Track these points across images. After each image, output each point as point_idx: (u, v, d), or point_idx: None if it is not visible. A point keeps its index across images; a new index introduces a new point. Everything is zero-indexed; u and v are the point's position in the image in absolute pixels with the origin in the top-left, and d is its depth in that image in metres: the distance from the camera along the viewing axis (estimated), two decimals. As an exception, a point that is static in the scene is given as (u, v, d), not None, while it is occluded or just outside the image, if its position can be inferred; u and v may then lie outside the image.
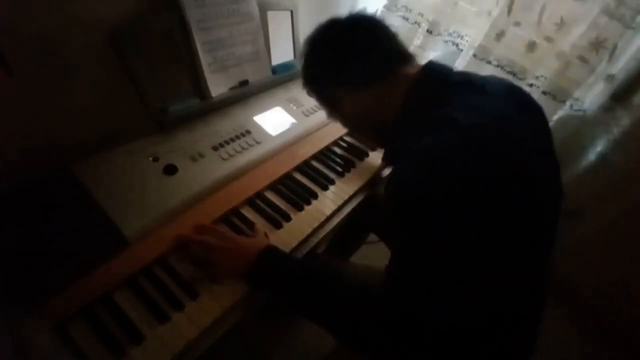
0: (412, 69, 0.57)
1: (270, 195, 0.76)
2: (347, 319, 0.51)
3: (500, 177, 0.43)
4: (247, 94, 0.88)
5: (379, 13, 1.43)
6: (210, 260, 0.58)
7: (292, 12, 0.94)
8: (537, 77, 1.21)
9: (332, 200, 0.78)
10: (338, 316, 0.52)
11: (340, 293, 0.53)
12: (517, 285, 0.49)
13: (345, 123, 0.70)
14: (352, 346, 0.55)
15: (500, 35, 1.19)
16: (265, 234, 0.67)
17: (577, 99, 1.15)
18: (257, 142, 0.81)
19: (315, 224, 0.72)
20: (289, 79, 0.99)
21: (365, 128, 0.67)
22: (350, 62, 0.58)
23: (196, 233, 0.61)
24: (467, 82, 0.54)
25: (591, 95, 1.15)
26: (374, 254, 1.16)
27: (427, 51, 1.40)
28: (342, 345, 0.63)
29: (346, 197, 0.80)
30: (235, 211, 0.71)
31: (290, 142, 0.86)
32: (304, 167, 0.84)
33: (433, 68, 0.57)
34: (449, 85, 0.54)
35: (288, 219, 0.72)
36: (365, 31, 0.59)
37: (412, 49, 1.43)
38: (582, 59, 1.09)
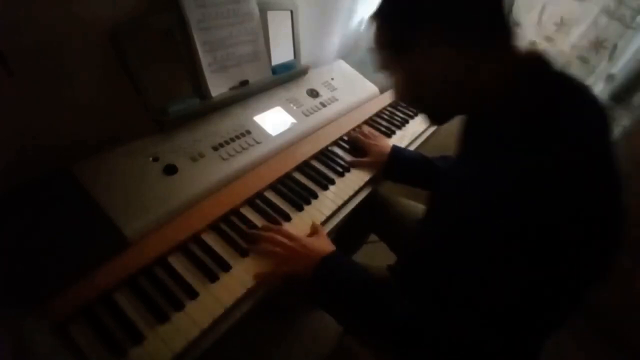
0: (517, 51, 0.48)
1: (270, 195, 0.76)
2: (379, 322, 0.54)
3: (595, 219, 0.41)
4: (247, 94, 0.88)
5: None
6: (280, 256, 0.62)
7: (292, 12, 0.94)
8: (537, 77, 1.21)
9: (332, 200, 0.78)
10: (374, 320, 0.55)
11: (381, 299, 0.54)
12: (545, 319, 0.46)
13: (403, 82, 0.55)
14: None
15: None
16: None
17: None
18: (257, 142, 0.81)
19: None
20: (289, 79, 0.99)
21: (426, 94, 0.53)
22: (466, 6, 0.45)
23: (265, 230, 0.66)
24: (576, 91, 0.47)
25: (591, 95, 1.15)
26: (374, 254, 1.16)
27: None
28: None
29: (346, 197, 0.80)
30: (235, 211, 0.71)
31: (290, 142, 0.86)
32: (304, 167, 0.84)
33: (543, 59, 0.48)
34: (556, 90, 0.46)
35: (288, 219, 0.72)
36: None
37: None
38: (582, 59, 1.09)
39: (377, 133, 0.99)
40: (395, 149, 0.90)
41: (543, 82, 0.46)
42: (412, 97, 0.56)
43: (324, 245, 0.64)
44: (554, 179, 0.39)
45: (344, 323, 0.77)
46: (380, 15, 0.52)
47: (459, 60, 0.47)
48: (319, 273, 0.59)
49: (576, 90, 0.47)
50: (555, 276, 0.41)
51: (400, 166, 0.88)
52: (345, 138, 0.97)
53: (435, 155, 0.89)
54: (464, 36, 0.46)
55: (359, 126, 1.03)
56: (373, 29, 0.53)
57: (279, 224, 0.70)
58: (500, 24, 0.47)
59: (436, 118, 0.59)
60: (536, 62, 0.47)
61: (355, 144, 0.94)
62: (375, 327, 0.55)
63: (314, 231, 0.70)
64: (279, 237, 0.64)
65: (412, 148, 1.04)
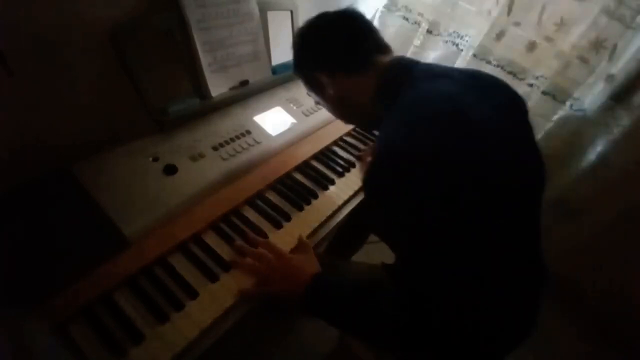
0: (385, 59, 0.63)
1: (270, 195, 0.76)
2: (378, 326, 0.54)
3: (455, 157, 0.46)
4: (247, 94, 0.88)
5: (379, 13, 1.43)
6: (264, 275, 0.60)
7: (292, 12, 0.94)
8: (537, 77, 1.21)
9: (332, 200, 0.78)
10: (372, 327, 0.55)
11: (374, 306, 0.54)
12: (507, 263, 0.52)
13: (329, 107, 0.72)
14: (382, 345, 0.61)
15: (500, 35, 1.19)
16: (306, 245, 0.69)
17: (577, 99, 1.15)
18: (257, 142, 0.81)
19: (316, 224, 0.72)
20: (289, 79, 0.99)
21: (347, 112, 0.71)
22: (334, 50, 0.64)
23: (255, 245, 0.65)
24: (429, 70, 0.59)
25: (591, 95, 1.15)
26: (374, 254, 1.16)
27: (427, 51, 1.40)
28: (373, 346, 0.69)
29: (346, 197, 0.80)
30: (235, 211, 0.71)
31: (290, 142, 0.86)
32: (304, 167, 0.84)
33: (402, 58, 0.63)
34: (413, 71, 0.59)
35: (288, 219, 0.72)
36: (349, 23, 0.64)
37: (412, 49, 1.43)
38: (582, 59, 1.09)
39: None
40: None
41: (398, 70, 0.60)
42: (342, 118, 0.75)
43: (310, 265, 0.62)
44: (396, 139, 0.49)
45: (343, 332, 0.78)
46: (295, 69, 0.72)
47: (352, 81, 0.63)
48: (309, 296, 0.57)
49: (429, 70, 0.59)
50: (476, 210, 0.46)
51: None
52: (345, 138, 0.97)
53: None
54: (348, 66, 0.63)
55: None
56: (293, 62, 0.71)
57: (279, 224, 0.70)
58: (373, 46, 0.64)
59: (367, 127, 0.86)
60: (395, 60, 0.62)
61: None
62: (374, 334, 0.55)
63: (301, 245, 0.67)
64: (266, 254, 0.62)
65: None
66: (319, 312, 0.58)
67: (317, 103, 0.77)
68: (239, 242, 0.64)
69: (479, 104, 0.52)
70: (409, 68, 0.60)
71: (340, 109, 0.71)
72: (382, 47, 0.65)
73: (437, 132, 0.47)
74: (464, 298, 0.47)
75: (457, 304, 0.47)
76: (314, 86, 0.70)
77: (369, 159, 0.90)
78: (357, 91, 0.63)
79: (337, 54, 0.64)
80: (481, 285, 0.48)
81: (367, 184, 0.55)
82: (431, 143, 0.46)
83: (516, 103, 0.60)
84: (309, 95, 0.76)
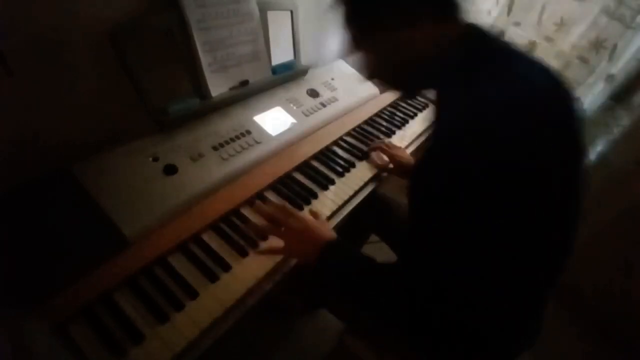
0: (461, 21, 0.55)
1: (270, 195, 0.76)
2: (382, 299, 0.54)
3: (543, 152, 0.44)
4: (247, 94, 0.88)
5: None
6: (279, 236, 0.62)
7: (292, 12, 0.94)
8: (537, 77, 1.21)
9: (332, 200, 0.78)
10: (376, 298, 0.56)
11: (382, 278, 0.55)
12: (531, 265, 0.50)
13: (375, 59, 0.60)
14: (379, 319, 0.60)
15: (500, 35, 1.19)
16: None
17: (577, 99, 1.15)
18: (257, 142, 0.81)
19: (315, 224, 0.72)
20: (289, 79, 0.99)
21: (395, 66, 0.58)
22: None
23: (271, 207, 0.65)
24: (515, 50, 0.53)
25: (591, 95, 1.15)
26: (374, 254, 1.16)
27: (427, 51, 1.40)
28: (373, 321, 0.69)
29: (346, 197, 0.80)
30: (235, 211, 0.71)
31: (290, 142, 0.86)
32: (304, 167, 0.84)
33: (481, 26, 0.55)
34: (499, 44, 0.54)
35: (288, 219, 0.72)
36: None
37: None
38: (582, 59, 1.09)
39: (396, 145, 0.98)
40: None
41: (482, 38, 0.53)
42: (384, 73, 0.62)
43: (327, 230, 0.64)
44: (501, 114, 0.43)
45: (347, 319, 0.77)
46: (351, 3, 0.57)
47: (422, 33, 0.52)
48: (324, 256, 0.59)
49: (513, 50, 0.53)
50: (522, 214, 0.44)
51: None
52: (346, 138, 0.97)
53: None
54: (421, 12, 0.51)
55: (361, 127, 1.03)
56: (344, 10, 0.57)
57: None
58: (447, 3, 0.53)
59: (407, 91, 0.68)
60: (473, 27, 0.54)
61: (371, 150, 0.95)
62: (379, 309, 0.56)
63: (314, 216, 0.70)
64: (284, 215, 0.63)
65: (412, 148, 1.04)
66: (330, 274, 0.60)
67: (352, 45, 0.59)
68: (258, 202, 0.67)
69: (559, 102, 0.50)
70: (495, 37, 0.54)
71: (390, 60, 0.57)
72: (461, 7, 0.56)
73: (527, 125, 0.43)
74: (475, 298, 0.46)
75: (465, 302, 0.46)
76: (367, 17, 0.55)
77: (384, 157, 0.91)
78: (428, 41, 0.53)
79: None
80: (498, 290, 0.47)
81: (438, 151, 0.48)
82: (519, 134, 0.42)
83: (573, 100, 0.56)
84: (344, 28, 0.59)
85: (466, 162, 0.42)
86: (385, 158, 0.92)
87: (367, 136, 1.00)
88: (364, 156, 0.93)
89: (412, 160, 0.92)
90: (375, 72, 0.62)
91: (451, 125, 0.47)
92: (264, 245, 0.66)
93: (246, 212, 0.71)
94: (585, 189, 0.52)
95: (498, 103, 0.44)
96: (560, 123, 0.48)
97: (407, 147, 1.03)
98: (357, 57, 0.61)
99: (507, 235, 0.44)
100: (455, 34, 0.52)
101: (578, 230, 0.53)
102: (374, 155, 0.93)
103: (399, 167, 0.90)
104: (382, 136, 1.02)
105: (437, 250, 0.47)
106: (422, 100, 1.26)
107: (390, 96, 1.18)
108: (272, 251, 0.63)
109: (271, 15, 0.88)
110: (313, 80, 1.04)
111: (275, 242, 0.64)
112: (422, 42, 0.53)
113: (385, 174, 0.91)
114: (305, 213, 0.73)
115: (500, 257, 0.45)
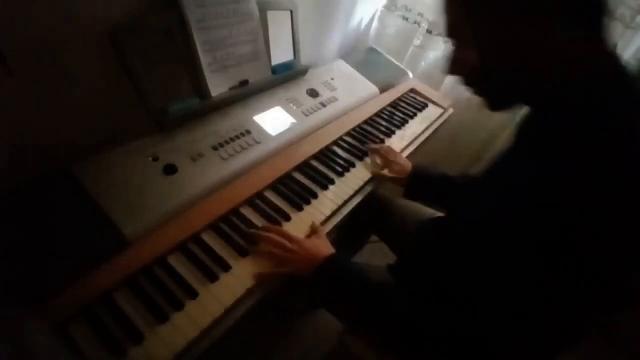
0: (606, 46, 0.43)
1: (270, 195, 0.76)
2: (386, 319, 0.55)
3: None
4: (247, 94, 0.88)
5: (379, 13, 1.43)
6: (279, 258, 0.63)
7: (292, 12, 0.94)
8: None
9: (332, 200, 0.78)
10: (379, 316, 0.56)
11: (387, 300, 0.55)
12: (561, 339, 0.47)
13: (472, 53, 0.46)
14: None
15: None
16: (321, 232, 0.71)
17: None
18: (257, 142, 0.81)
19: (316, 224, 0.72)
20: (289, 79, 0.99)
21: (496, 73, 0.46)
22: None
23: (266, 231, 0.66)
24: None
25: (591, 95, 1.15)
26: (374, 254, 1.16)
27: (427, 51, 1.40)
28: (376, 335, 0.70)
29: (346, 197, 0.80)
30: (235, 211, 0.71)
31: (290, 142, 0.86)
32: (304, 167, 0.84)
33: (620, 62, 0.43)
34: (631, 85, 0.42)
35: (288, 219, 0.72)
36: None
37: (412, 49, 1.43)
38: (582, 59, 1.09)
39: (395, 151, 0.96)
40: (416, 169, 0.89)
41: (623, 86, 0.42)
42: (477, 73, 0.48)
43: (324, 247, 0.65)
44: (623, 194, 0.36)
45: (347, 321, 0.78)
46: None
47: (543, 39, 0.41)
48: (321, 275, 0.61)
49: None
50: (572, 289, 0.39)
51: (421, 187, 0.89)
52: (345, 138, 0.97)
53: (445, 163, 0.90)
54: (556, 13, 0.40)
55: (361, 127, 1.03)
56: None
57: (279, 224, 0.70)
58: (596, 11, 0.41)
59: (496, 101, 0.51)
60: (616, 62, 0.43)
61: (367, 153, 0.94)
62: (379, 323, 0.57)
63: (314, 231, 0.71)
64: (279, 239, 0.65)
65: (412, 148, 1.04)
66: (329, 288, 0.61)
67: (450, 31, 0.48)
68: (253, 230, 0.67)
69: None
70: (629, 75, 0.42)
71: (495, 61, 0.45)
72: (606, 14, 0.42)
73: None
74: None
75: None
76: (483, 15, 0.43)
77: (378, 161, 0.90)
78: (554, 65, 0.42)
79: None
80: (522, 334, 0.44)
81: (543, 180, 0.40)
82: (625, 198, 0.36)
83: None
84: (445, 7, 0.47)
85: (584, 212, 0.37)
86: (379, 162, 0.92)
87: (367, 136, 1.00)
88: (364, 156, 0.93)
89: (409, 167, 0.90)
90: (470, 71, 0.49)
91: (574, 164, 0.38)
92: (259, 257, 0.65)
93: (246, 212, 0.71)
94: None
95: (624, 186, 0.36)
96: None
97: (407, 147, 1.03)
98: (448, 49, 0.50)
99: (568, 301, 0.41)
100: (592, 55, 0.41)
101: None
102: (370, 158, 0.92)
103: (395, 174, 0.89)
104: (382, 136, 1.02)
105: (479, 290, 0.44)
106: (421, 100, 1.26)
107: (390, 96, 1.18)
108: (269, 275, 0.63)
109: (271, 15, 0.88)
110: (313, 80, 1.04)
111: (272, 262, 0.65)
112: (547, 50, 0.42)
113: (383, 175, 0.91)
114: (307, 222, 0.73)
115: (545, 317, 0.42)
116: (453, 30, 0.48)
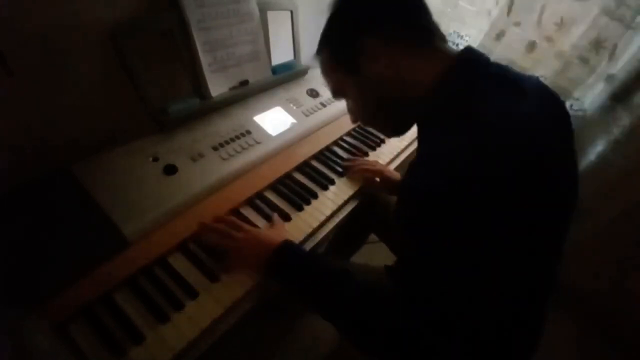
0: (449, 50, 0.53)
1: (270, 195, 0.76)
2: (356, 316, 0.52)
3: (515, 184, 0.42)
4: (247, 94, 0.88)
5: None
6: (227, 249, 0.60)
7: (292, 12, 0.94)
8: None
9: (332, 200, 0.78)
10: (347, 313, 0.52)
11: (352, 292, 0.52)
12: (524, 283, 0.49)
13: (356, 94, 0.59)
14: (358, 343, 0.54)
15: (500, 35, 1.19)
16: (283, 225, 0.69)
17: (577, 99, 1.15)
18: (257, 142, 0.81)
19: (316, 224, 0.72)
20: (289, 79, 0.99)
21: (381, 104, 0.57)
22: (402, 6, 0.51)
23: (215, 222, 0.64)
24: (503, 77, 0.50)
25: (591, 95, 1.15)
26: (374, 254, 1.16)
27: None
28: (347, 341, 0.64)
29: (346, 197, 0.80)
30: (235, 211, 0.71)
31: (290, 142, 0.86)
32: (304, 167, 0.84)
33: (472, 53, 0.52)
34: (485, 76, 0.50)
35: (288, 219, 0.72)
36: None
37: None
38: (582, 59, 1.09)
39: (378, 162, 0.93)
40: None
41: (470, 72, 0.50)
42: (369, 114, 0.60)
43: (280, 235, 0.61)
44: (484, 154, 0.42)
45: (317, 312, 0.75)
46: (322, 43, 0.58)
47: (407, 61, 0.51)
48: (270, 264, 0.57)
49: (504, 77, 0.50)
50: (515, 232, 0.43)
51: None
52: (346, 138, 0.97)
53: None
54: (398, 41, 0.51)
55: (361, 127, 1.02)
56: (319, 59, 0.59)
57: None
58: (436, 27, 0.53)
59: (395, 129, 0.63)
60: (466, 54, 0.51)
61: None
62: (342, 314, 0.53)
63: (273, 223, 0.68)
64: (227, 229, 0.62)
65: (412, 148, 1.04)
66: (281, 275, 0.58)
67: (335, 92, 0.61)
68: (202, 222, 0.64)
69: (547, 126, 0.48)
70: (483, 67, 0.50)
71: (374, 99, 0.56)
72: (443, 35, 0.54)
73: (509, 165, 0.42)
74: (468, 307, 0.45)
75: (457, 313, 0.45)
76: (346, 58, 0.55)
77: (365, 169, 0.87)
78: (411, 76, 0.51)
79: (406, 13, 0.51)
80: (489, 298, 0.46)
81: (416, 186, 0.47)
82: (499, 175, 0.41)
83: (568, 120, 0.54)
84: (325, 76, 0.61)
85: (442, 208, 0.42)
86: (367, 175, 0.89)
87: (367, 136, 1.00)
88: (364, 156, 0.93)
89: (397, 174, 0.88)
90: (359, 116, 0.62)
91: (427, 171, 0.45)
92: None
93: (246, 212, 0.72)
94: (575, 199, 0.51)
95: (473, 148, 0.43)
96: (546, 151, 0.45)
97: (407, 147, 1.03)
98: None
99: (499, 251, 0.44)
100: (438, 68, 0.50)
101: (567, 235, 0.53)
102: (352, 173, 0.86)
103: (386, 181, 0.87)
104: (382, 136, 1.02)
105: (430, 266, 0.46)
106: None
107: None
108: (230, 267, 0.61)
109: (271, 15, 0.88)
110: (313, 80, 1.04)
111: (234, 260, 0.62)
112: (402, 70, 0.51)
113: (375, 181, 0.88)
114: (307, 222, 0.71)
115: (493, 266, 0.44)
116: (336, 91, 0.61)
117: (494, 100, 0.46)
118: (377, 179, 0.87)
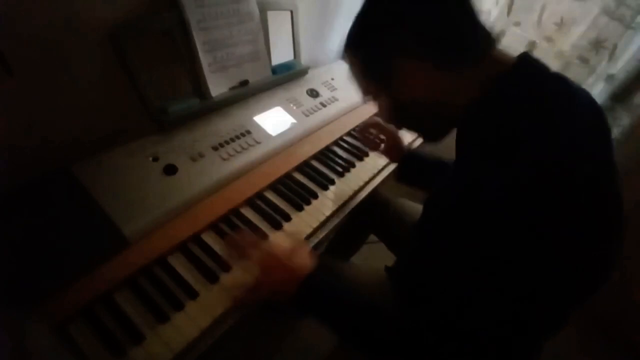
0: (502, 56, 0.48)
1: (270, 195, 0.76)
2: (371, 341, 0.51)
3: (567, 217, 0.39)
4: (247, 94, 0.88)
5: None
6: (257, 277, 0.55)
7: (292, 12, 0.94)
8: (537, 77, 1.21)
9: (332, 200, 0.78)
10: (365, 342, 0.52)
11: (375, 328, 0.51)
12: (547, 315, 0.46)
13: (388, 107, 0.54)
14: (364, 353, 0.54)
15: (500, 35, 1.19)
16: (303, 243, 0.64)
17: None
18: (257, 142, 0.81)
19: (315, 224, 0.72)
20: (289, 79, 0.99)
21: (418, 114, 0.53)
22: (445, 30, 0.45)
23: (246, 245, 0.58)
24: (560, 92, 0.46)
25: (591, 95, 1.15)
26: (374, 254, 1.16)
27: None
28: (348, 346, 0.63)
29: (346, 197, 0.80)
30: (235, 211, 0.71)
31: (290, 142, 0.86)
32: (304, 167, 0.84)
33: (529, 60, 0.47)
34: (542, 90, 0.45)
35: (288, 219, 0.72)
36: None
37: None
38: (582, 59, 1.09)
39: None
40: (410, 151, 0.88)
41: (526, 84, 0.45)
42: (400, 120, 0.57)
43: (304, 263, 0.57)
44: (543, 185, 0.38)
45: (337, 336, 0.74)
46: (351, 48, 0.52)
47: (452, 78, 0.47)
48: (302, 292, 0.53)
49: (560, 92, 0.46)
50: (556, 271, 0.41)
51: (414, 170, 0.86)
52: (346, 138, 0.97)
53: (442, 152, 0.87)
54: (439, 55, 0.46)
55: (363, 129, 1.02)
56: (347, 61, 0.54)
57: (279, 224, 0.70)
58: (487, 33, 0.47)
59: (429, 136, 0.59)
60: (523, 63, 0.47)
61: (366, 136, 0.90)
62: (369, 342, 0.52)
63: (296, 245, 0.61)
64: (258, 253, 0.57)
65: (413, 147, 1.04)
66: (310, 310, 0.55)
67: (364, 93, 0.56)
68: (229, 239, 0.60)
69: (602, 149, 0.46)
70: (539, 82, 0.46)
71: (409, 109, 0.52)
72: (494, 39, 0.48)
73: (571, 189, 0.39)
74: (484, 333, 0.43)
75: (471, 336, 0.44)
76: (377, 73, 0.50)
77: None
78: (450, 91, 0.48)
79: (448, 35, 0.45)
80: (507, 316, 0.43)
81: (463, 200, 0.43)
82: (561, 199, 0.38)
83: (611, 140, 0.50)
84: (353, 77, 0.55)
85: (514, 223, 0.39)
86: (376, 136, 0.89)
87: (367, 136, 1.00)
88: (364, 156, 0.93)
89: (404, 144, 0.88)
90: (392, 120, 0.57)
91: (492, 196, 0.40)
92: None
93: (246, 212, 0.72)
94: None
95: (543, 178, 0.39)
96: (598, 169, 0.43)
97: (409, 144, 1.03)
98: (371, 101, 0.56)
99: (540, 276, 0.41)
100: (494, 73, 0.46)
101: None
102: (366, 134, 0.89)
103: (390, 147, 0.87)
104: (382, 136, 1.02)
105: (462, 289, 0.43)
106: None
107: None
108: (250, 297, 0.57)
109: (271, 15, 0.88)
110: (313, 80, 1.04)
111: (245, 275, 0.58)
112: (440, 88, 0.47)
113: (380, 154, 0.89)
114: (307, 222, 0.71)
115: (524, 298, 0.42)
116: (365, 92, 0.56)
117: (553, 124, 0.42)
118: (383, 146, 0.87)
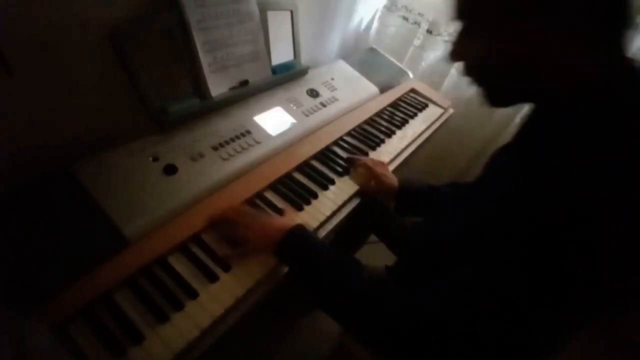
0: (624, 52, 0.42)
1: (270, 195, 0.76)
2: (358, 307, 0.51)
3: None
4: (247, 94, 0.88)
5: (379, 13, 1.43)
6: (240, 236, 0.62)
7: (292, 12, 0.95)
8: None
9: (332, 200, 0.78)
10: (350, 302, 0.52)
11: (358, 282, 0.52)
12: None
13: (482, 48, 0.44)
14: (356, 335, 0.55)
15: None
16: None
17: None
18: (257, 142, 0.81)
19: (315, 224, 0.72)
20: (289, 79, 0.99)
21: (503, 70, 0.44)
22: None
23: (229, 211, 0.65)
24: None
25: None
26: (374, 254, 1.16)
27: (427, 51, 1.40)
28: (348, 334, 0.63)
29: (346, 197, 0.80)
30: (235, 211, 0.71)
31: (290, 142, 0.86)
32: (304, 167, 0.84)
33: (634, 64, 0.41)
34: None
35: (288, 219, 0.72)
36: None
37: (412, 49, 1.43)
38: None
39: (383, 163, 0.91)
40: (402, 185, 0.86)
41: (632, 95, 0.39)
42: (479, 65, 0.46)
43: (288, 220, 0.63)
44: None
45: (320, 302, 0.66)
46: None
47: (556, 48, 0.40)
48: (282, 245, 0.58)
49: None
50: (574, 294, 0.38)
51: (410, 204, 0.87)
52: (346, 138, 0.97)
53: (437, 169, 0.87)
54: (576, 28, 0.39)
55: (361, 127, 1.03)
56: None
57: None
58: (619, 14, 0.39)
59: (495, 97, 0.49)
60: (629, 73, 0.41)
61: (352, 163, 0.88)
62: (345, 302, 0.52)
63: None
64: (240, 217, 0.63)
65: (412, 148, 1.04)
66: (291, 256, 0.58)
67: (462, 18, 0.45)
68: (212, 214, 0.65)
69: None
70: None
71: (505, 67, 0.43)
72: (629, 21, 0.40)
73: None
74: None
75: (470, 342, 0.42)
76: (491, 21, 0.42)
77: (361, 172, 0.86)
78: (569, 66, 0.41)
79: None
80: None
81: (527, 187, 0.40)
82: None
83: None
84: (459, 21, 0.46)
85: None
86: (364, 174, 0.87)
87: (367, 136, 1.00)
88: (364, 156, 0.93)
89: (395, 180, 0.87)
90: (472, 62, 0.47)
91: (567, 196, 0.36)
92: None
93: (246, 212, 0.71)
94: None
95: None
96: None
97: (407, 147, 1.03)
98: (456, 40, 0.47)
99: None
100: (606, 64, 0.40)
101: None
102: (357, 171, 0.86)
103: (381, 186, 0.85)
104: (382, 136, 1.02)
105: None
106: (422, 100, 1.26)
107: (390, 96, 1.18)
108: (239, 253, 0.62)
109: (271, 15, 0.88)
110: (313, 80, 1.04)
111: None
112: (557, 58, 0.40)
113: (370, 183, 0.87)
114: (307, 222, 0.71)
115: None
116: (467, 15, 0.45)
117: None
118: (372, 182, 0.86)
